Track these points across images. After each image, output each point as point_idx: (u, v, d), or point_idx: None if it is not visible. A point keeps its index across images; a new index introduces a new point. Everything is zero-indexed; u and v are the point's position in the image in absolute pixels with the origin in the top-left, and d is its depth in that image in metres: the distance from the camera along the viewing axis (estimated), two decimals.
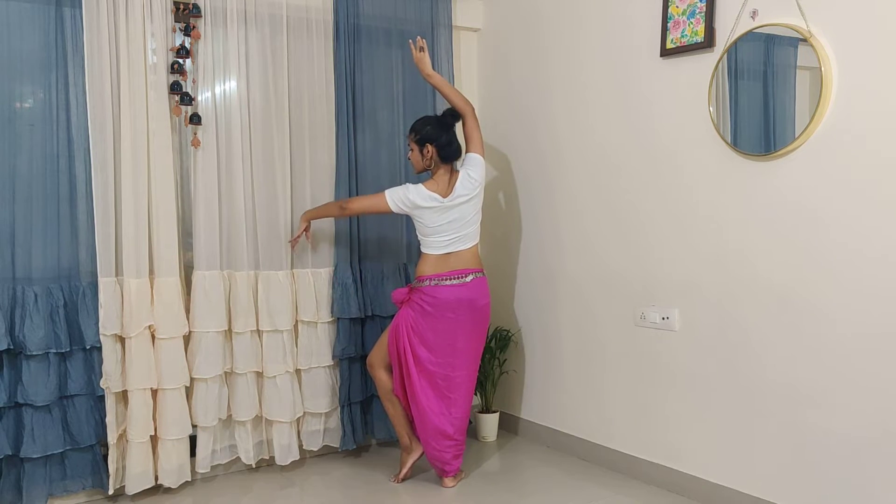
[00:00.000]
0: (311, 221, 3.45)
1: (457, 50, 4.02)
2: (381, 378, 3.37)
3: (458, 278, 3.24)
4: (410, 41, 3.42)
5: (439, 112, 3.77)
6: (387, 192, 3.27)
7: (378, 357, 3.38)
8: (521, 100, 3.90)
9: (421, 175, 3.46)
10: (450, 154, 3.27)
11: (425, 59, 3.34)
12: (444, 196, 3.22)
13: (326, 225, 3.56)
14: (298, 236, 3.43)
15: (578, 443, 3.64)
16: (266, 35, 3.38)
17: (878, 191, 2.43)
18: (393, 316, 3.67)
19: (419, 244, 3.36)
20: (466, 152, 3.35)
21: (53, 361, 2.98)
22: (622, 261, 3.36)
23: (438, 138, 3.24)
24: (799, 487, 2.69)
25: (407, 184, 3.30)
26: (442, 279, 3.22)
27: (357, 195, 3.59)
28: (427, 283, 3.22)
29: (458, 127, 3.37)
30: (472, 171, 3.28)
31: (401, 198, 3.23)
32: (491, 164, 4.07)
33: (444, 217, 3.23)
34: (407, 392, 3.29)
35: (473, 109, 3.39)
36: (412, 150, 3.32)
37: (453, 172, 3.29)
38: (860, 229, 2.48)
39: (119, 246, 3.10)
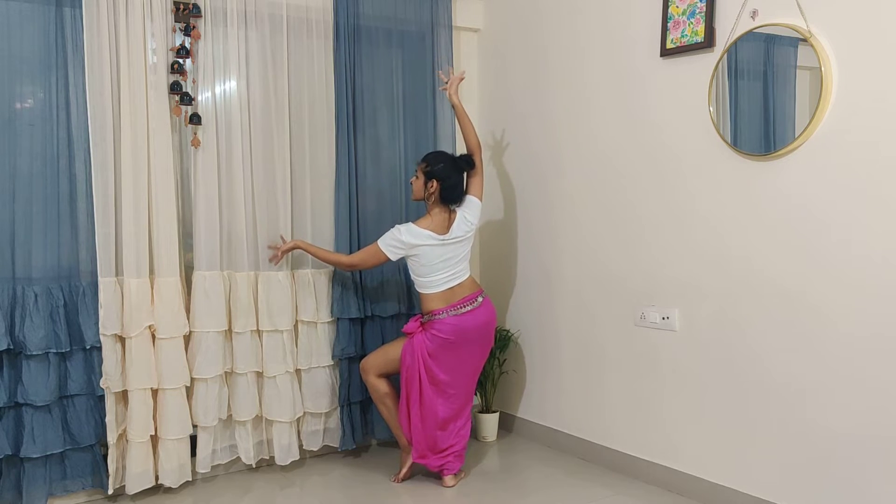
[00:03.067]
0: (300, 249, 3.41)
1: (457, 50, 4.03)
2: (373, 383, 3.38)
3: (471, 304, 3.28)
4: (451, 68, 3.64)
5: (437, 115, 3.79)
6: (379, 242, 3.28)
7: (375, 365, 3.37)
8: (520, 100, 3.90)
9: (415, 203, 3.52)
10: (452, 197, 3.29)
11: (457, 87, 3.43)
12: (441, 234, 3.24)
13: (327, 226, 3.56)
14: (278, 251, 3.37)
15: (578, 442, 3.64)
16: (266, 35, 3.38)
17: (877, 190, 2.43)
18: (394, 317, 3.71)
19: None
20: (467, 194, 3.37)
21: (53, 361, 2.98)
22: (622, 260, 3.36)
23: (447, 178, 3.26)
24: (798, 487, 2.69)
25: (396, 225, 3.30)
26: (457, 308, 3.25)
27: (356, 196, 3.60)
28: (443, 315, 3.24)
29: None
30: (470, 214, 3.32)
31: (394, 243, 3.24)
32: (490, 164, 4.07)
33: (440, 254, 3.24)
34: (411, 412, 3.28)
35: (481, 149, 3.44)
36: (417, 177, 3.33)
37: (451, 212, 3.31)
38: (860, 229, 2.48)
39: (119, 246, 3.10)
